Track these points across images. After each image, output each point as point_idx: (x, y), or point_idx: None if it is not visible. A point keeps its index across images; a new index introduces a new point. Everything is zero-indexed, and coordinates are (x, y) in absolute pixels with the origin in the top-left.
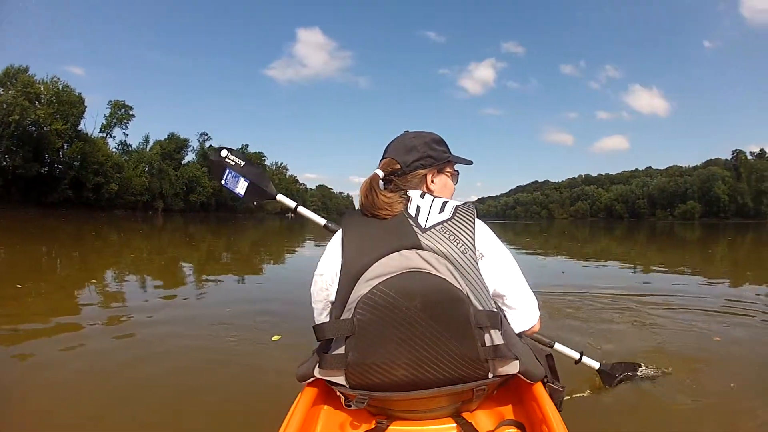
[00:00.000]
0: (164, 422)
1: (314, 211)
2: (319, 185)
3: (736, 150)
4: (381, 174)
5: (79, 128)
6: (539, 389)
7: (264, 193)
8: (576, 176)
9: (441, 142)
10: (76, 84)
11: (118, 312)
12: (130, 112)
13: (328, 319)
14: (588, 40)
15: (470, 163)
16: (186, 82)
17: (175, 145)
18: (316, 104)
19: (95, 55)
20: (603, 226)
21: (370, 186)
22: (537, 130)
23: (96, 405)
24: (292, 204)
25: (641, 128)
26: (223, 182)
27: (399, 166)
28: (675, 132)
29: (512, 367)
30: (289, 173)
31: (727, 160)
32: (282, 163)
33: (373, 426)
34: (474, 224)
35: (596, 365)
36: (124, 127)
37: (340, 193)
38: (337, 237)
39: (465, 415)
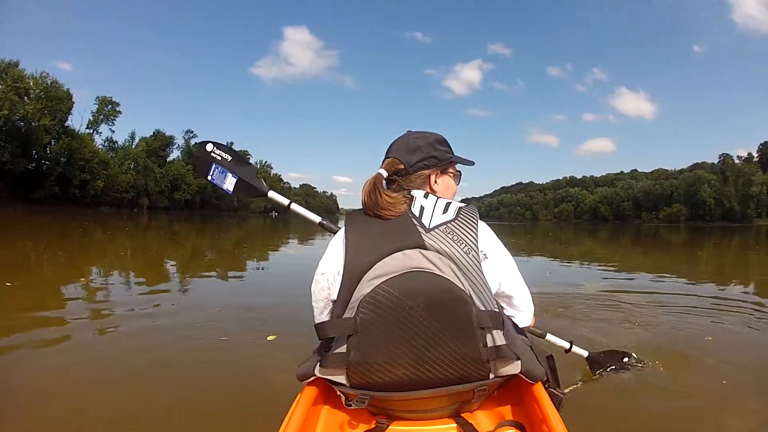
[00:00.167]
0: (162, 422)
1: None
2: (303, 184)
3: (723, 154)
4: (385, 174)
5: (66, 124)
6: (539, 390)
7: (254, 190)
8: (560, 178)
9: (444, 142)
10: (64, 80)
11: (106, 311)
12: (117, 109)
13: (328, 319)
14: (576, 43)
15: (472, 163)
16: (172, 79)
17: (160, 143)
18: (302, 103)
19: (83, 50)
20: (587, 228)
21: (374, 186)
22: (522, 131)
23: (92, 405)
24: (284, 201)
25: (627, 131)
26: (209, 178)
27: (403, 167)
28: (661, 135)
29: (513, 368)
30: (273, 172)
31: (713, 163)
32: (266, 162)
33: (374, 426)
34: (477, 225)
35: (585, 354)
36: (110, 123)
37: (324, 192)
38: (339, 236)
39: (465, 415)
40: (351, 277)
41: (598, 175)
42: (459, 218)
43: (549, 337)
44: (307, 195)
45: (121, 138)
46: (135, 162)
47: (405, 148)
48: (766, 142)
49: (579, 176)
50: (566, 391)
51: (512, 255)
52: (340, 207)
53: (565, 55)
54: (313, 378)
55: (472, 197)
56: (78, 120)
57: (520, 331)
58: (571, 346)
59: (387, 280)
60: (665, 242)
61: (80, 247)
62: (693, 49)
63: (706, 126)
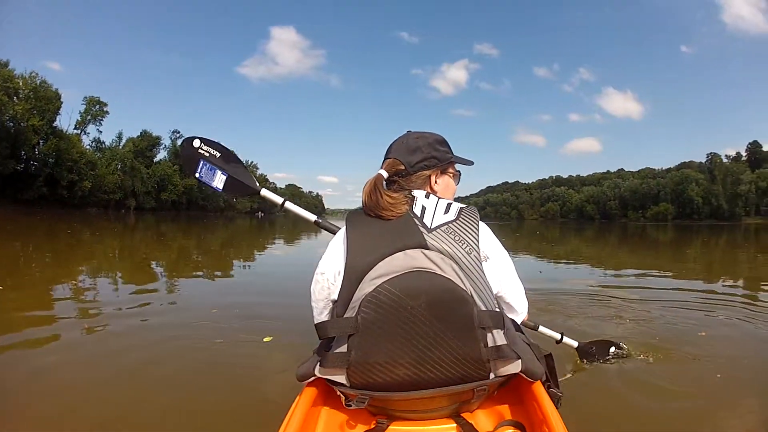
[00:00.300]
0: (160, 423)
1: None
2: (289, 184)
3: (711, 153)
4: (385, 175)
5: (54, 124)
6: (539, 389)
7: (245, 188)
8: (546, 177)
9: (444, 142)
10: (52, 79)
11: (98, 313)
12: (105, 109)
13: (328, 318)
14: (563, 43)
15: (471, 163)
16: (159, 79)
17: (147, 143)
18: (288, 103)
19: (71, 50)
20: (573, 227)
21: (374, 186)
22: (508, 131)
23: (89, 407)
24: (278, 200)
25: (614, 131)
26: (197, 175)
27: (403, 167)
28: (648, 135)
29: (514, 367)
30: (259, 172)
31: (701, 162)
32: (252, 162)
33: (373, 426)
34: (478, 226)
35: (575, 344)
36: (98, 123)
37: (310, 192)
38: (340, 236)
39: (465, 415)
40: (352, 277)
41: (585, 175)
42: (460, 219)
43: (541, 329)
44: (293, 195)
45: (108, 138)
46: (122, 163)
47: (405, 149)
48: (754, 141)
49: (565, 176)
50: (561, 379)
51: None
52: (326, 207)
53: (552, 55)
54: (313, 378)
55: (458, 197)
56: (66, 120)
57: (519, 329)
58: (562, 337)
59: (389, 279)
60: (653, 241)
61: (70, 248)
62: (681, 50)
63: (694, 126)
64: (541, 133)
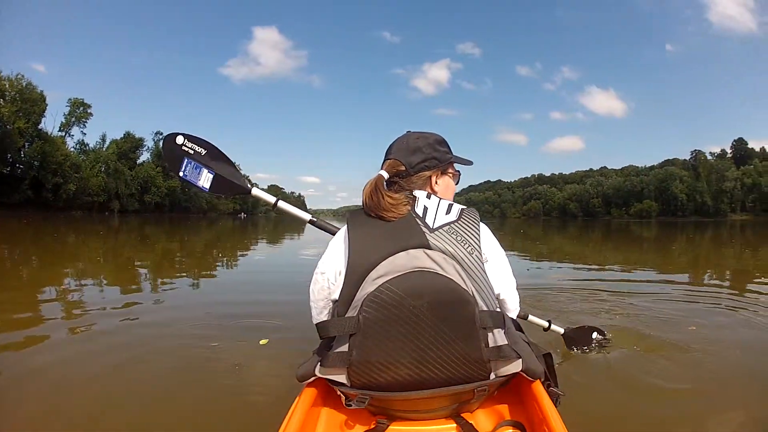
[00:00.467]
0: (160, 424)
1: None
2: (271, 185)
3: (695, 150)
4: (386, 175)
5: (39, 127)
6: (538, 389)
7: (235, 187)
8: (529, 176)
9: (444, 143)
10: (37, 81)
11: (89, 316)
12: (89, 111)
13: (328, 318)
14: (546, 42)
15: (470, 163)
16: (142, 80)
17: (130, 145)
18: (270, 103)
19: (55, 51)
20: (556, 225)
21: (375, 187)
22: (490, 130)
23: (85, 407)
24: (271, 199)
25: (597, 129)
26: (181, 174)
27: (404, 168)
28: (632, 133)
29: (515, 366)
30: (242, 173)
31: (685, 160)
32: (235, 163)
33: (373, 426)
34: (479, 227)
35: (562, 330)
36: (82, 125)
37: (292, 193)
38: (340, 236)
39: (465, 415)
40: (354, 277)
41: (567, 173)
42: (462, 219)
43: (531, 318)
44: (275, 196)
45: (92, 140)
46: (106, 165)
47: (406, 150)
48: (740, 138)
49: (548, 174)
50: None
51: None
52: (308, 207)
53: (535, 54)
54: (313, 378)
55: None
56: (50, 122)
57: (519, 328)
58: (549, 325)
59: (391, 279)
60: (636, 237)
61: (59, 252)
62: (666, 48)
63: (678, 124)
64: (522, 132)
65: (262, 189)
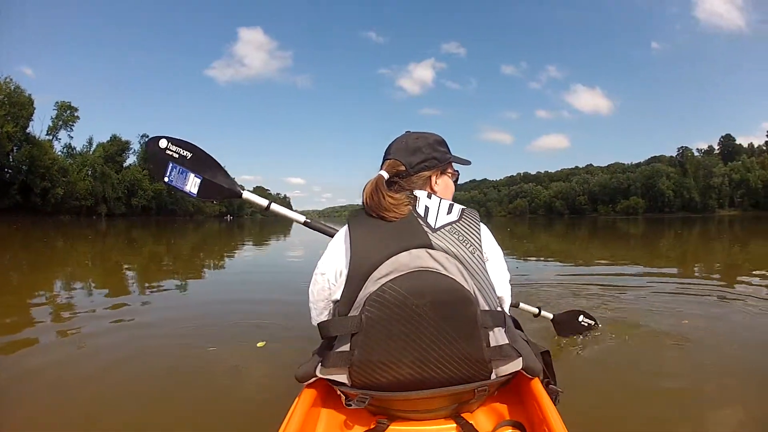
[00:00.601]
0: (159, 425)
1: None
2: (257, 186)
3: (682, 147)
4: (386, 176)
5: (27, 131)
6: (538, 388)
7: (224, 191)
8: (515, 174)
9: (443, 143)
10: (25, 85)
11: (78, 318)
12: (75, 114)
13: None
14: (531, 41)
15: (469, 163)
16: (128, 82)
17: (117, 148)
18: (255, 105)
19: (42, 54)
20: (542, 223)
21: (376, 187)
22: (475, 129)
23: (83, 410)
24: (263, 202)
25: (582, 127)
26: (166, 179)
27: (404, 168)
28: (618, 131)
29: (515, 365)
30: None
31: (672, 156)
32: (223, 167)
33: (374, 426)
34: (480, 227)
35: (551, 316)
36: (69, 129)
37: (278, 194)
38: (341, 236)
39: (465, 415)
40: (357, 277)
41: (553, 171)
42: (463, 219)
43: (521, 305)
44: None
45: (79, 144)
46: (92, 168)
47: (405, 150)
48: (727, 134)
49: (533, 172)
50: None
51: None
52: (293, 209)
53: (520, 53)
54: (313, 379)
55: None
56: (38, 126)
57: (519, 326)
58: (539, 311)
59: (394, 278)
60: (624, 234)
61: (49, 257)
62: (652, 46)
63: (664, 121)
64: (508, 131)
65: (249, 191)
